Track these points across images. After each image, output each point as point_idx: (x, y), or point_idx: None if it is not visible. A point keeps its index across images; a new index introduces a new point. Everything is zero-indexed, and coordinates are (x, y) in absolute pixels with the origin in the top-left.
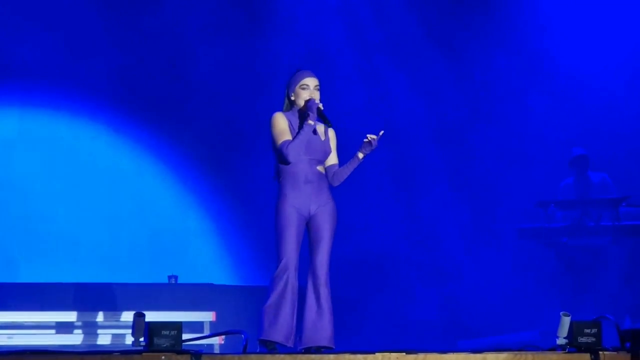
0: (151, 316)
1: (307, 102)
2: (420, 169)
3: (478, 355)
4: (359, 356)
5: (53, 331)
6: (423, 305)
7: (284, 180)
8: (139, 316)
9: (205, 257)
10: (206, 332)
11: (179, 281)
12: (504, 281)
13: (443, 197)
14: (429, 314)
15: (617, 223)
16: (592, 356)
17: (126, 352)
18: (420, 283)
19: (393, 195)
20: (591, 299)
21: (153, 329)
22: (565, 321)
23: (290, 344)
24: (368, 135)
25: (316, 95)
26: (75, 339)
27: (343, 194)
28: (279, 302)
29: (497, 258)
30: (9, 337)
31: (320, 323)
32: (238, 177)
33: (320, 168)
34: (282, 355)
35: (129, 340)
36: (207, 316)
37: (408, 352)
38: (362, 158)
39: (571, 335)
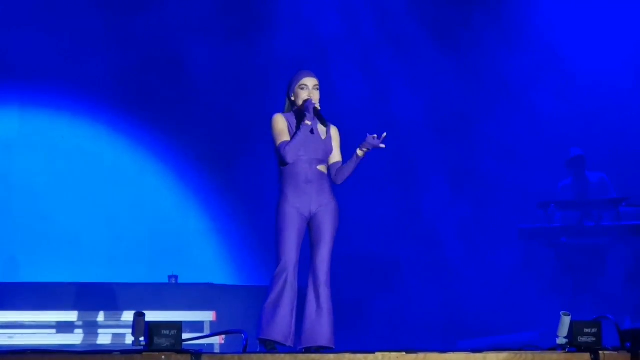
0: (151, 316)
1: (303, 102)
2: (421, 168)
3: (478, 355)
4: (359, 356)
5: (53, 331)
6: (423, 305)
7: (284, 180)
8: (139, 316)
9: (206, 257)
10: (206, 331)
11: (179, 281)
12: (504, 281)
13: (443, 197)
14: (429, 313)
15: (617, 223)
16: (592, 356)
17: (126, 351)
18: (421, 283)
19: (393, 195)
20: (591, 299)
21: (153, 329)
22: (566, 321)
23: (289, 343)
24: (374, 136)
25: (315, 95)
26: (75, 338)
27: (343, 194)
28: (278, 301)
29: (497, 258)
30: (10, 337)
31: (320, 323)
32: (238, 177)
33: (321, 168)
34: (282, 355)
35: (129, 340)
36: (207, 316)
37: (408, 351)
38: (363, 155)
39: (571, 334)
